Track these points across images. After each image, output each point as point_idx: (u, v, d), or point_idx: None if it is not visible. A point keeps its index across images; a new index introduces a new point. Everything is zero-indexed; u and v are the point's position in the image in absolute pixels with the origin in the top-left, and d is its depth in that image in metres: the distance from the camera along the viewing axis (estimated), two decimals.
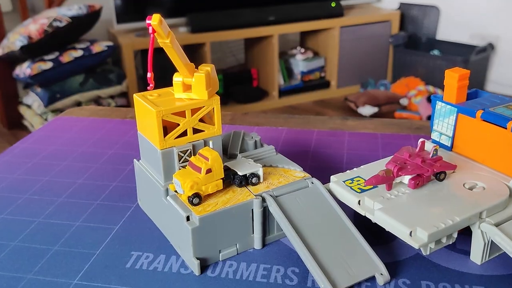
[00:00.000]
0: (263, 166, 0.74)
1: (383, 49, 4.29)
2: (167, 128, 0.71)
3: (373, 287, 0.62)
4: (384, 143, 0.97)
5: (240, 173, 0.68)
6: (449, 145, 0.76)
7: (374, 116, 3.45)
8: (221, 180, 0.67)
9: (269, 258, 0.67)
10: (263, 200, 0.67)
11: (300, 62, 4.13)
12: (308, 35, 4.34)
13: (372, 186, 0.69)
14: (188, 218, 0.64)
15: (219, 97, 0.70)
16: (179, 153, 0.69)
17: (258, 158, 0.75)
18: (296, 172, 0.73)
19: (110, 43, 3.31)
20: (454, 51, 3.92)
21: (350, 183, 0.70)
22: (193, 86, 0.68)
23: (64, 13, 3.15)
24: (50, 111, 3.10)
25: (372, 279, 0.62)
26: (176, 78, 0.69)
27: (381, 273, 0.62)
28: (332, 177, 0.72)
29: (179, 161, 0.69)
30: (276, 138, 1.00)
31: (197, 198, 0.65)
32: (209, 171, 0.65)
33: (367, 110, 3.53)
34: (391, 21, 4.13)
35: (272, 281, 0.63)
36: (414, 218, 0.61)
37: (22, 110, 3.37)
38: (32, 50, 3.09)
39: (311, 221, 0.66)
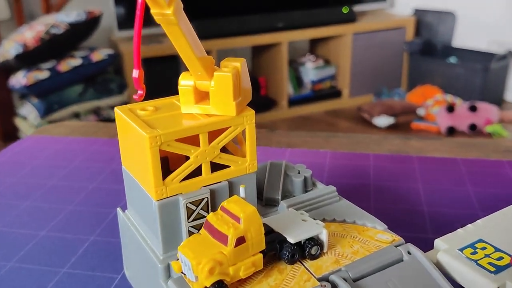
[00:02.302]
0: (322, 220, 0.47)
1: (397, 56, 4.10)
2: (168, 162, 0.44)
3: None
4: (470, 172, 0.69)
5: (291, 241, 0.41)
6: None
7: (390, 127, 3.21)
8: (261, 255, 0.39)
9: None
10: (333, 286, 0.39)
11: (310, 71, 3.92)
12: (318, 43, 4.14)
13: (510, 259, 0.41)
14: None
15: (253, 112, 0.43)
16: (189, 205, 0.41)
17: (313, 208, 0.48)
18: (378, 232, 0.45)
19: (111, 51, 3.11)
20: (472, 58, 3.72)
21: (472, 254, 0.42)
22: (212, 95, 0.41)
23: (62, 19, 2.96)
24: (47, 122, 2.89)
25: None
26: (184, 81, 0.42)
27: None
28: (438, 242, 0.44)
29: (187, 218, 0.42)
30: (319, 166, 0.73)
31: None
32: (241, 241, 0.38)
33: (382, 120, 3.28)
34: (405, 27, 3.95)
35: None
36: None
37: (18, 121, 3.17)
38: (27, 59, 2.90)
39: None
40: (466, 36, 3.98)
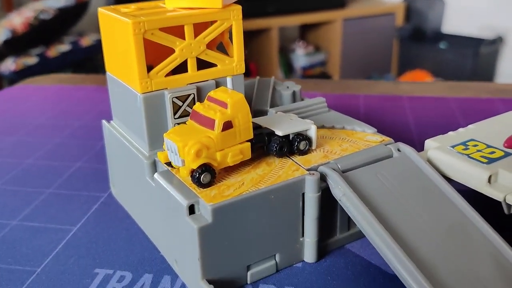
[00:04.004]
0: None
1: (388, 42, 4.09)
2: (153, 59, 0.43)
3: None
4: (461, 110, 0.69)
5: (280, 133, 0.40)
6: None
7: None
8: (249, 144, 0.38)
9: (334, 279, 0.39)
10: (322, 177, 0.38)
11: (301, 57, 3.90)
12: (309, 29, 4.12)
13: (503, 154, 0.41)
14: (191, 210, 0.35)
15: (240, 7, 0.42)
16: (174, 100, 0.40)
17: (301, 117, 0.47)
18: (367, 135, 0.45)
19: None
20: (462, 43, 3.73)
21: (464, 150, 0.42)
22: None
23: (51, 4, 2.93)
24: None
25: None
26: None
27: None
28: (430, 142, 0.44)
29: (174, 114, 0.41)
30: None
31: (207, 174, 0.36)
32: (228, 125, 0.37)
33: None
34: (395, 13, 3.94)
35: None
36: None
37: None
38: (16, 45, 2.87)
39: (409, 215, 0.37)
40: (456, 22, 3.98)
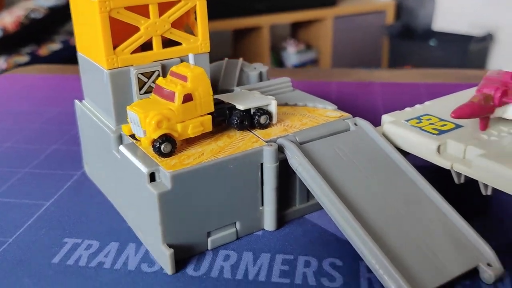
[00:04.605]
0: None
1: (378, 40, 4.11)
2: (120, 39, 0.45)
3: (476, 287, 0.35)
4: (430, 93, 0.71)
5: (240, 107, 0.42)
6: None
7: None
8: (210, 116, 0.40)
9: (291, 244, 0.41)
10: (280, 149, 0.40)
11: (292, 55, 3.91)
12: (299, 27, 4.13)
13: (454, 126, 0.43)
14: (152, 177, 0.37)
15: None
16: (140, 76, 0.42)
17: (267, 95, 0.49)
18: (327, 111, 0.47)
19: None
20: (452, 41, 3.75)
21: (418, 123, 0.44)
22: None
23: (42, 3, 2.93)
24: None
25: (474, 273, 0.36)
26: None
27: (489, 264, 0.36)
28: (386, 117, 0.46)
29: (139, 89, 0.42)
30: None
31: (168, 144, 0.38)
32: (188, 98, 0.39)
33: None
34: (386, 11, 3.95)
35: (300, 282, 0.37)
36: None
37: None
38: (8, 43, 2.87)
39: (362, 183, 0.39)
40: (446, 19, 4.00)
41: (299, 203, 0.44)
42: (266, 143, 0.40)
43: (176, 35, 0.43)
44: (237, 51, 3.98)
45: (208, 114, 0.40)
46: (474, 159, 0.37)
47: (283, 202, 0.43)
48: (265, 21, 3.55)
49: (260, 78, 0.51)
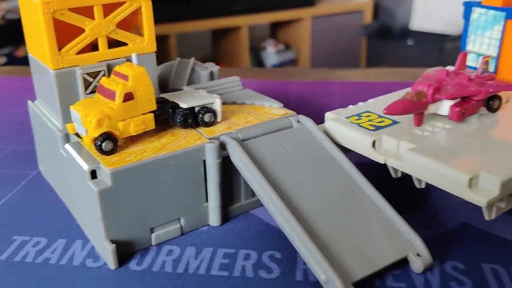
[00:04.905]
0: (223, 103, 0.49)
1: (356, 39, 4.14)
2: (68, 40, 0.45)
3: (407, 276, 0.37)
4: (385, 92, 0.72)
5: (184, 106, 0.43)
6: (492, 70, 0.52)
7: None
8: (152, 115, 0.41)
9: (233, 238, 0.42)
10: (222, 146, 0.41)
11: (272, 55, 3.92)
12: (279, 27, 4.15)
13: (391, 122, 0.44)
14: (93, 175, 0.38)
15: None
16: (85, 76, 0.43)
17: (216, 94, 0.50)
18: (273, 109, 0.48)
19: None
20: (429, 40, 3.80)
21: (357, 120, 0.45)
22: None
23: (18, 4, 2.90)
24: None
25: (404, 263, 0.37)
26: None
27: (418, 254, 0.37)
28: (328, 114, 0.47)
29: (85, 89, 0.43)
30: None
31: (109, 142, 0.39)
32: (129, 97, 0.39)
33: None
34: (364, 11, 3.98)
35: (238, 275, 0.38)
36: (471, 160, 0.37)
37: None
38: None
39: (301, 178, 0.41)
40: (423, 19, 4.05)
41: (245, 199, 0.45)
42: (209, 140, 0.41)
43: (122, 35, 0.44)
44: (216, 52, 3.99)
45: (151, 112, 0.41)
46: (405, 153, 0.39)
47: (228, 198, 0.44)
48: (244, 21, 3.55)
49: (211, 77, 0.53)
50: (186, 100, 0.43)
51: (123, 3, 0.44)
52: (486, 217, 0.37)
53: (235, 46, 3.68)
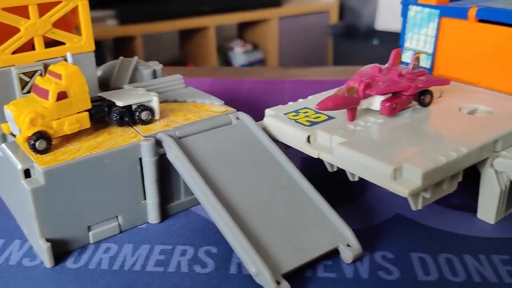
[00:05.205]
0: (163, 101, 0.49)
1: (323, 39, 4.18)
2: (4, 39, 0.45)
3: (337, 266, 0.38)
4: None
5: (120, 104, 0.43)
6: (429, 66, 0.54)
7: None
8: (87, 113, 0.41)
9: (172, 235, 0.42)
10: (158, 143, 0.42)
11: (239, 55, 3.92)
12: (246, 28, 4.15)
13: (326, 118, 0.45)
14: (27, 174, 0.38)
15: None
16: (21, 75, 0.43)
17: (158, 92, 0.50)
18: (213, 106, 0.49)
19: None
20: (393, 39, 3.84)
21: (294, 116, 0.46)
22: None
23: None
24: None
25: (335, 254, 0.38)
26: None
27: (348, 244, 0.38)
28: (268, 111, 0.48)
29: (22, 89, 0.43)
30: None
31: (42, 141, 0.39)
32: (62, 96, 0.40)
33: None
34: (330, 11, 4.02)
35: (173, 270, 0.38)
36: (397, 153, 0.38)
37: None
38: None
39: (237, 174, 0.42)
40: (388, 19, 4.10)
41: (185, 196, 0.45)
42: (144, 138, 0.42)
43: (59, 35, 0.44)
44: (183, 52, 3.97)
45: (86, 111, 0.41)
46: (336, 147, 0.40)
47: (168, 195, 0.44)
48: (211, 21, 3.55)
49: (154, 75, 0.53)
50: (123, 98, 0.44)
51: (59, 2, 0.44)
52: (413, 207, 0.38)
53: (202, 47, 3.67)
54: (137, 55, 2.94)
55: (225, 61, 3.88)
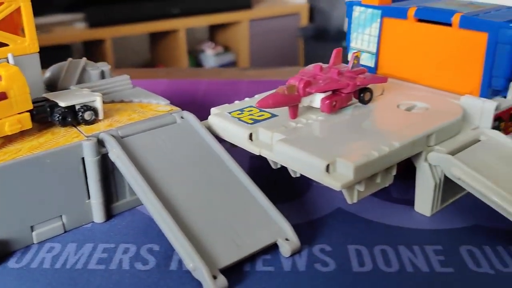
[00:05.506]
0: (110, 102, 0.50)
1: (294, 41, 4.20)
2: None
3: (276, 260, 0.39)
4: None
5: (62, 104, 0.43)
6: (372, 66, 0.55)
7: None
8: (28, 114, 0.41)
9: (115, 234, 0.43)
10: (101, 143, 0.42)
11: (211, 57, 3.92)
12: (217, 30, 4.16)
13: (270, 116, 0.46)
14: None
15: None
16: None
17: (104, 93, 0.51)
18: (159, 106, 0.49)
19: None
20: None
21: (239, 114, 0.47)
22: None
23: None
24: None
25: (274, 248, 0.39)
26: None
27: (287, 239, 0.39)
28: (213, 110, 0.49)
29: None
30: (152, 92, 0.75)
31: None
32: (2, 96, 0.40)
33: None
34: (300, 13, 4.05)
35: (114, 267, 0.39)
36: (332, 148, 0.39)
37: None
38: None
39: (179, 172, 0.42)
40: None
41: (130, 195, 0.46)
42: (86, 138, 0.42)
43: (1, 36, 0.44)
44: (154, 55, 3.95)
45: (28, 111, 0.41)
46: (275, 144, 0.41)
47: (113, 195, 0.45)
48: (181, 24, 3.54)
49: (102, 76, 0.53)
50: (66, 98, 0.44)
51: (1, 3, 0.44)
52: (348, 201, 0.39)
53: (173, 49, 3.66)
54: (107, 58, 2.92)
55: (197, 63, 3.88)
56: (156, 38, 3.79)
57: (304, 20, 4.17)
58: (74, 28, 3.26)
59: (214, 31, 4.17)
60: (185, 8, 3.58)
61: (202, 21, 3.75)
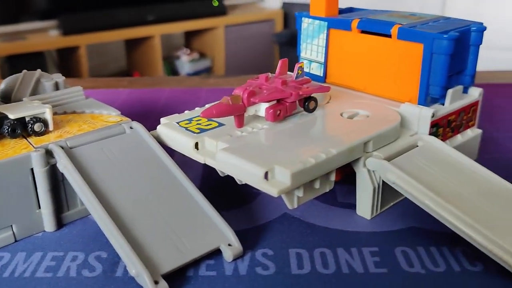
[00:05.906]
0: (63, 113, 0.51)
1: (269, 47, 4.24)
2: None
3: (219, 265, 0.40)
4: None
5: (11, 116, 0.44)
6: (321, 75, 0.58)
7: None
8: None
9: (65, 242, 0.44)
10: (50, 154, 0.43)
11: (186, 64, 3.93)
12: (193, 36, 4.17)
13: (217, 125, 0.48)
14: None
15: None
16: None
17: (56, 104, 0.52)
18: (109, 117, 0.50)
19: None
20: None
21: (187, 124, 0.48)
22: None
23: None
24: None
25: (218, 253, 0.41)
26: None
27: (229, 244, 0.41)
28: (163, 119, 0.50)
29: None
30: (112, 101, 0.76)
31: None
32: None
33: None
34: (274, 19, 4.09)
35: (61, 275, 0.40)
36: (272, 156, 0.41)
37: None
38: None
39: (125, 181, 0.44)
40: None
41: (81, 204, 0.47)
42: (35, 149, 0.43)
43: None
44: (130, 62, 3.94)
45: None
46: (217, 153, 0.43)
47: (64, 204, 0.46)
48: (156, 30, 3.54)
49: (57, 87, 0.54)
50: (15, 110, 0.45)
51: None
52: (289, 206, 0.41)
53: (148, 56, 3.65)
54: (81, 65, 2.90)
55: (172, 70, 3.88)
56: (131, 45, 3.79)
57: (278, 26, 4.21)
58: (48, 35, 3.25)
59: (189, 37, 4.18)
60: (160, 14, 3.59)
61: (177, 28, 3.76)
